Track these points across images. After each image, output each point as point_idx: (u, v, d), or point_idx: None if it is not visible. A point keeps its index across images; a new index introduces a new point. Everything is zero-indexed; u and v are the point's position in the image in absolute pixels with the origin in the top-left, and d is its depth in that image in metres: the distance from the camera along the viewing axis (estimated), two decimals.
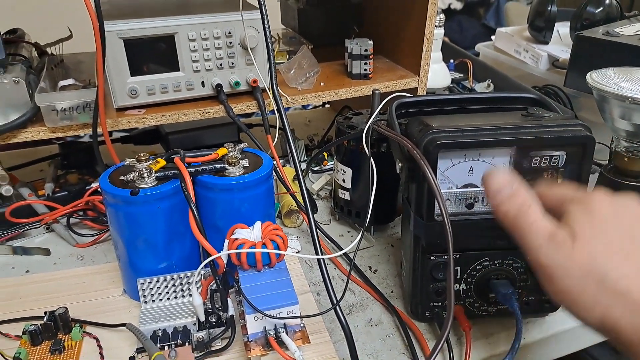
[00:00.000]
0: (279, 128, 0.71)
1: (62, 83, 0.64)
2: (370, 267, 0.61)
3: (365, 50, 0.72)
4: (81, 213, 0.67)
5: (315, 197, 0.76)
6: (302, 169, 0.81)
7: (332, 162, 0.83)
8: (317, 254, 0.48)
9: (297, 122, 1.02)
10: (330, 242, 0.64)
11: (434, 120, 0.46)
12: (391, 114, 0.51)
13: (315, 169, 0.82)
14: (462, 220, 0.45)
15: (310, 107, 1.28)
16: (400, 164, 0.48)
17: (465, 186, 0.45)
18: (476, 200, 0.46)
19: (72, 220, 0.67)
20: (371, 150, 0.54)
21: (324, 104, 1.20)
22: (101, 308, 0.52)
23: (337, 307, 0.44)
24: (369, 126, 0.55)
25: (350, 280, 0.57)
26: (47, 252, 0.62)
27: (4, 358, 0.45)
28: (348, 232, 0.67)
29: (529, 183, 0.38)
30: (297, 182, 0.57)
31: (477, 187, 0.45)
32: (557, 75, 0.96)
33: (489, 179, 0.38)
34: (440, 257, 0.47)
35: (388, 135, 0.48)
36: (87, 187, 0.70)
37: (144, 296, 0.50)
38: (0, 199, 0.65)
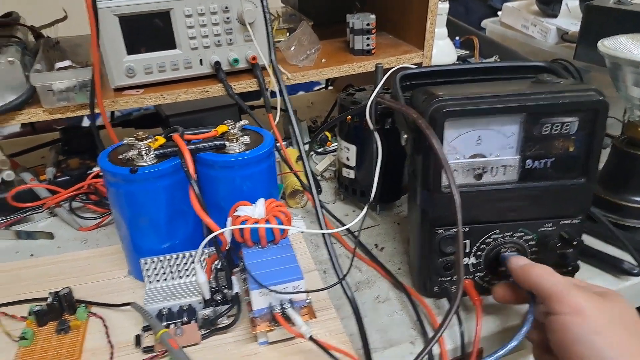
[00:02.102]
0: (281, 109, 0.70)
1: (59, 65, 0.62)
2: (376, 245, 0.59)
3: (368, 24, 0.70)
4: (84, 197, 0.67)
5: (319, 178, 0.74)
6: (306, 150, 0.80)
7: (336, 143, 0.82)
8: (321, 229, 0.47)
9: (300, 105, 1.00)
10: (335, 220, 0.63)
11: (440, 90, 0.44)
12: (395, 86, 0.50)
13: (319, 150, 0.81)
14: (470, 191, 0.44)
15: (315, 88, 1.26)
16: (405, 136, 0.46)
17: (474, 156, 0.44)
18: (485, 170, 0.44)
19: (74, 204, 0.66)
20: (375, 126, 0.53)
21: (326, 85, 1.19)
22: (106, 289, 0.51)
23: (343, 282, 0.43)
24: (372, 100, 0.53)
25: (356, 258, 0.55)
26: (50, 236, 0.61)
27: (11, 339, 0.44)
28: (353, 211, 0.66)
29: (540, 152, 0.36)
30: (300, 162, 0.56)
31: (486, 157, 0.44)
32: (567, 49, 0.93)
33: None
34: (449, 230, 0.45)
35: (391, 106, 0.47)
36: (88, 172, 0.69)
37: (148, 276, 0.50)
38: (2, 184, 0.65)
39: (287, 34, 0.76)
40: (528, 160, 0.44)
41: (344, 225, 0.60)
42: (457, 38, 1.08)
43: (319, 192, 0.70)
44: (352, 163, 0.62)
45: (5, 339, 0.45)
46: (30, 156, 0.80)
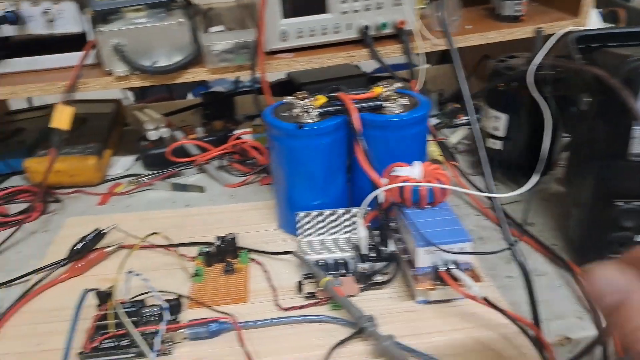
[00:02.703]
0: (407, 79, 0.68)
1: (214, 29, 0.66)
2: (524, 220, 0.57)
3: None
4: (229, 156, 0.71)
5: (453, 150, 0.73)
6: (440, 122, 0.79)
7: (466, 117, 0.80)
8: (490, 192, 0.46)
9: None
10: (475, 192, 0.61)
11: (628, 51, 0.41)
12: (571, 47, 0.47)
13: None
14: None
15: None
16: (588, 100, 0.43)
17: None
18: None
19: (220, 163, 0.71)
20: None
21: (445, 60, 1.15)
22: (260, 239, 0.54)
23: (516, 247, 0.42)
24: (533, 65, 0.51)
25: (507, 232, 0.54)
26: (201, 189, 0.66)
27: (187, 274, 0.49)
28: (495, 185, 0.64)
29: None
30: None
31: None
32: None
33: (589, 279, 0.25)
34: (630, 202, 0.42)
35: (575, 67, 0.44)
36: (229, 134, 0.73)
37: (302, 229, 0.52)
38: (158, 141, 0.71)
39: (427, 1, 0.74)
40: None
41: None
42: (599, 10, 1.00)
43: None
44: (501, 133, 0.60)
45: (181, 274, 0.49)
46: (174, 118, 0.86)
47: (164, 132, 0.70)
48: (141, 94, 1.43)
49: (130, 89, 1.35)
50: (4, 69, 0.63)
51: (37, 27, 0.59)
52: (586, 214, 0.45)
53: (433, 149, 0.64)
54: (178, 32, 0.58)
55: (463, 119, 0.79)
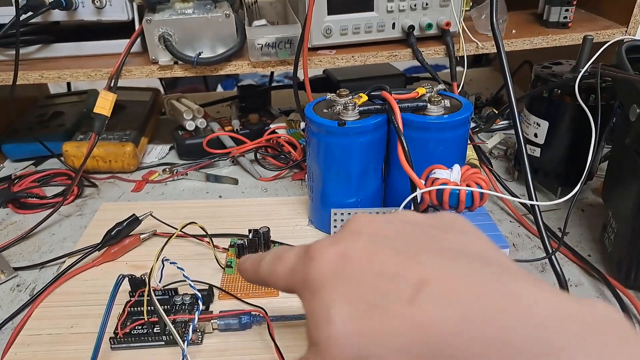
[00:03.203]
0: (444, 81, 0.67)
1: (256, 23, 0.67)
2: (559, 229, 0.56)
3: None
4: (264, 150, 0.71)
5: (488, 155, 0.71)
6: (476, 125, 0.78)
7: (505, 121, 0.78)
8: (530, 199, 0.45)
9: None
10: (514, 198, 0.60)
11: None
12: (621, 57, 0.46)
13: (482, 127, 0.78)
14: None
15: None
16: (638, 110, 0.42)
17: None
18: None
19: (253, 156, 0.71)
20: (577, 103, 0.49)
21: (483, 62, 1.14)
22: (291, 234, 0.54)
23: (553, 256, 0.41)
24: (583, 73, 0.50)
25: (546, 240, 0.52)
26: (235, 181, 0.66)
27: (219, 265, 0.49)
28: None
29: None
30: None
31: None
32: None
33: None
34: None
35: (624, 77, 0.43)
36: (265, 128, 0.73)
37: (335, 227, 0.52)
38: (194, 132, 0.72)
39: (471, 3, 0.73)
40: None
41: (526, 207, 0.57)
42: None
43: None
44: (540, 140, 0.59)
45: (214, 264, 0.50)
46: (208, 109, 0.87)
47: (201, 122, 0.71)
48: (171, 83, 1.45)
49: (162, 78, 1.37)
50: (52, 53, 0.64)
51: (86, 13, 0.60)
52: (627, 227, 0.44)
53: (469, 152, 0.63)
54: (224, 24, 0.59)
55: (500, 123, 0.78)
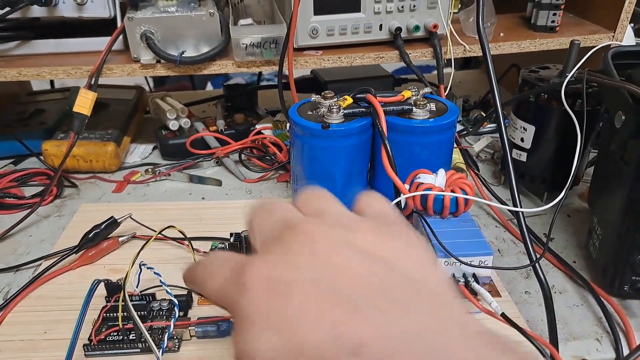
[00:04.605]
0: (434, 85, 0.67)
1: (242, 22, 0.66)
2: (545, 234, 0.56)
3: None
4: (248, 151, 0.70)
5: (475, 159, 0.71)
6: (463, 129, 0.77)
7: (491, 125, 0.78)
8: (514, 205, 0.45)
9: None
10: (500, 204, 0.60)
11: None
12: (607, 63, 0.45)
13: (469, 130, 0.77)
14: None
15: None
16: (624, 117, 0.42)
17: None
18: None
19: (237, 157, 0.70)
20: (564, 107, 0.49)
21: (471, 65, 1.14)
22: None
23: (537, 264, 0.41)
24: (569, 79, 0.49)
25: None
26: (219, 183, 0.65)
27: None
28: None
29: None
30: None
31: None
32: None
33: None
34: None
35: (612, 83, 0.42)
36: (251, 128, 0.72)
37: None
38: (178, 131, 0.70)
39: (460, 5, 0.73)
40: None
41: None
42: (631, 24, 0.97)
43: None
44: (527, 145, 0.58)
45: None
46: (194, 108, 0.86)
47: (185, 122, 0.70)
48: (160, 81, 1.44)
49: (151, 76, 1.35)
50: (31, 50, 0.63)
51: (67, 10, 0.59)
52: (612, 234, 0.44)
53: (456, 156, 0.63)
54: (207, 23, 0.58)
55: (488, 127, 0.78)
